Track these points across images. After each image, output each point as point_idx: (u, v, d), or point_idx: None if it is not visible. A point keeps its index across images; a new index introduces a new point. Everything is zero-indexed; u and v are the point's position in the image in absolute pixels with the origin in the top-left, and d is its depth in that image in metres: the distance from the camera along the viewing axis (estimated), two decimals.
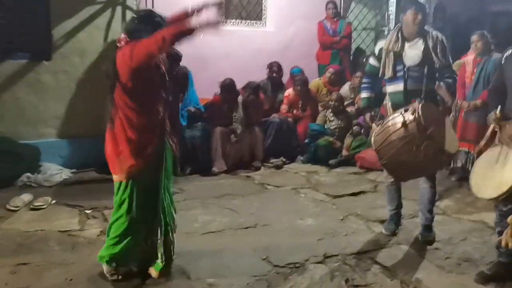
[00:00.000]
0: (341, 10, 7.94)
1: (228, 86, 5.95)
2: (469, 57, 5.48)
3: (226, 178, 5.51)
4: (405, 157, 3.06)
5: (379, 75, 3.82)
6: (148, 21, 2.87)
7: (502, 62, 3.13)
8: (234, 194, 4.91)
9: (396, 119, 3.19)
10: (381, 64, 3.73)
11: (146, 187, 2.96)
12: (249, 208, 4.51)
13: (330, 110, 6.48)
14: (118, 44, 3.00)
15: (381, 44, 3.81)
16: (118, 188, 2.96)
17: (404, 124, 3.06)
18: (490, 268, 3.23)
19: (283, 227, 4.08)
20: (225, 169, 5.70)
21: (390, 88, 3.76)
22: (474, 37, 5.32)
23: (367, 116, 4.04)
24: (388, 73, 3.68)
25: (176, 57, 5.59)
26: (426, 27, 3.69)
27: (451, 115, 5.78)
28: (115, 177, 2.97)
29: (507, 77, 3.06)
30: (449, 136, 3.31)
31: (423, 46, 3.59)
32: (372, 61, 3.89)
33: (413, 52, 3.61)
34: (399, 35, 3.66)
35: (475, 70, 5.29)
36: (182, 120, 5.74)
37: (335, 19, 7.47)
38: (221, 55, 6.98)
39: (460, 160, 5.40)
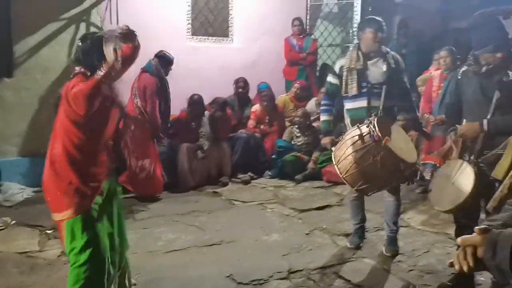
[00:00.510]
0: (307, 26, 8.06)
1: (196, 102, 5.94)
2: (435, 72, 5.62)
3: (193, 195, 5.47)
4: (364, 169, 3.09)
5: (340, 93, 3.80)
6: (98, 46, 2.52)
7: (459, 78, 3.20)
8: (200, 211, 4.87)
9: (353, 133, 3.23)
10: (343, 82, 3.74)
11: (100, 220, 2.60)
12: (215, 224, 4.48)
13: (296, 126, 6.53)
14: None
15: (340, 62, 3.82)
16: (71, 230, 2.51)
17: (361, 136, 3.10)
18: (451, 279, 3.27)
19: (248, 243, 4.06)
20: (191, 185, 5.66)
21: (350, 105, 3.77)
22: (443, 53, 5.46)
23: (326, 140, 3.93)
24: (352, 90, 3.69)
25: (169, 60, 5.50)
26: (383, 47, 3.76)
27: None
28: (60, 216, 2.51)
29: (462, 93, 3.14)
30: (406, 146, 3.37)
31: (385, 66, 3.66)
32: (331, 79, 3.88)
33: (376, 71, 3.67)
34: (359, 53, 3.71)
35: (441, 85, 5.41)
36: None
37: (301, 36, 7.58)
38: (188, 72, 6.95)
39: (426, 173, 5.48)
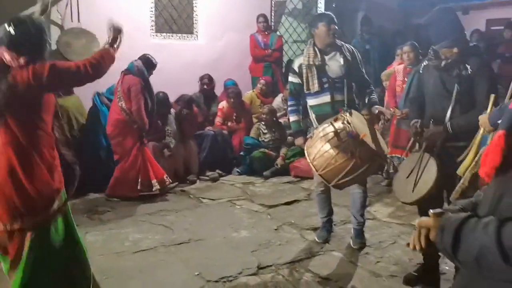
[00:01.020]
0: (272, 23, 8.08)
1: (161, 100, 5.85)
2: (399, 67, 5.71)
3: (160, 194, 5.38)
4: (343, 165, 3.10)
5: (303, 91, 3.81)
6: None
7: (420, 72, 3.26)
8: (167, 210, 4.81)
9: (327, 129, 3.22)
10: (304, 80, 3.76)
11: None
12: (183, 223, 4.44)
13: (263, 123, 6.54)
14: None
15: (299, 60, 3.83)
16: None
17: (336, 133, 3.12)
18: (417, 269, 3.34)
19: (217, 241, 4.04)
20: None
21: (313, 101, 3.79)
22: (405, 48, 5.54)
23: (299, 140, 3.94)
24: (314, 87, 3.72)
25: (152, 63, 5.46)
26: (338, 41, 3.79)
27: (380, 122, 6.00)
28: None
29: (425, 87, 3.20)
30: (380, 141, 3.44)
31: (342, 59, 3.71)
32: (292, 78, 3.88)
33: (335, 65, 3.72)
34: (316, 49, 3.73)
35: (405, 79, 5.50)
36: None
37: (266, 32, 7.59)
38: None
39: (392, 165, 5.55)
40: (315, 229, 4.19)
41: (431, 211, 1.34)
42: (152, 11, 7.04)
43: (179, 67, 7.09)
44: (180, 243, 3.97)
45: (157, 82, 6.39)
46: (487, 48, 7.36)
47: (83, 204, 4.96)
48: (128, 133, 5.16)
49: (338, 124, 3.18)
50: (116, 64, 6.28)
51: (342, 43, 3.83)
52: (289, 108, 4.04)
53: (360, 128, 3.17)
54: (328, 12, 3.85)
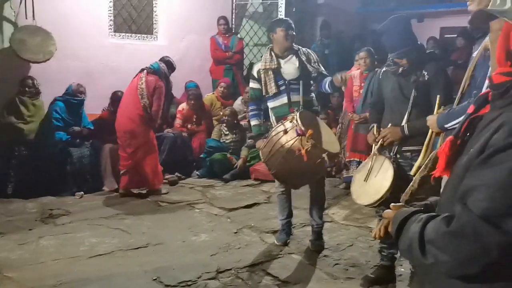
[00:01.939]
0: (233, 25, 8.07)
1: (119, 98, 5.71)
2: (356, 72, 5.80)
3: (117, 197, 5.28)
4: (292, 164, 3.17)
5: (263, 95, 3.91)
6: None
7: (380, 77, 3.33)
8: (125, 213, 4.72)
9: (278, 129, 3.32)
10: (263, 84, 3.85)
11: None
12: (141, 227, 4.35)
13: (224, 125, 6.52)
14: None
15: (257, 66, 3.94)
16: None
17: (285, 131, 3.18)
18: (374, 271, 3.40)
19: (176, 245, 3.98)
20: (116, 187, 5.47)
21: (272, 104, 3.89)
22: (362, 54, 5.63)
23: (260, 143, 3.90)
24: (272, 90, 3.81)
25: (173, 66, 5.66)
26: (294, 45, 3.87)
27: (338, 126, 6.10)
28: None
29: (383, 92, 3.26)
30: (329, 138, 3.50)
31: (297, 61, 3.80)
32: (252, 84, 3.99)
33: (290, 67, 3.81)
34: (272, 53, 3.84)
35: (362, 84, 5.60)
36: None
37: (227, 35, 7.57)
38: (110, 69, 6.75)
39: (352, 170, 5.65)
40: (274, 232, 4.21)
41: (392, 204, 1.42)
42: (110, 10, 6.89)
43: (137, 68, 6.92)
44: (138, 248, 3.90)
45: (114, 82, 6.29)
46: (442, 55, 7.61)
47: (37, 207, 4.80)
48: (144, 130, 5.27)
49: (287, 123, 3.27)
50: (72, 63, 6.23)
51: (299, 47, 3.91)
52: (250, 113, 4.12)
53: (309, 127, 3.23)
54: (286, 18, 3.96)
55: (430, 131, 2.69)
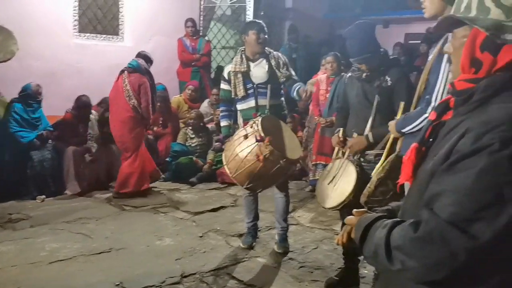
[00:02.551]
0: (201, 28, 8.04)
1: (84, 104, 5.61)
2: (322, 76, 5.86)
3: (80, 201, 5.17)
4: (252, 168, 3.19)
5: (232, 97, 3.91)
6: None
7: (346, 82, 3.37)
8: (88, 218, 4.62)
9: (240, 133, 3.35)
10: (232, 86, 3.85)
11: None
12: (104, 231, 4.27)
13: (190, 128, 6.47)
14: None
15: (228, 68, 3.94)
16: None
17: (245, 136, 3.20)
18: (338, 274, 3.43)
19: (140, 249, 3.92)
20: (78, 191, 5.36)
21: (241, 106, 3.89)
22: (328, 58, 5.69)
23: None
24: (240, 93, 3.82)
25: (150, 59, 5.69)
26: (267, 49, 3.88)
27: (305, 130, 6.14)
28: None
29: (349, 97, 3.30)
30: (291, 144, 3.50)
31: (267, 65, 3.80)
32: (223, 85, 3.99)
33: (259, 71, 3.81)
34: (243, 56, 3.84)
35: (329, 89, 5.65)
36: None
37: (194, 37, 7.53)
38: (73, 70, 6.62)
39: (318, 172, 5.68)
40: (240, 235, 4.20)
41: (354, 210, 1.42)
42: (75, 10, 6.75)
43: (103, 69, 6.86)
44: (101, 252, 3.81)
45: (78, 83, 6.18)
46: (407, 61, 7.77)
47: None
48: (139, 130, 5.35)
49: (249, 128, 3.29)
50: (35, 64, 6.10)
51: (270, 51, 3.91)
52: (220, 114, 4.14)
53: (271, 132, 3.25)
54: (260, 21, 3.92)
55: (390, 135, 2.75)
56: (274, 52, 3.91)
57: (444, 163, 1.13)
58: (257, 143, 3.16)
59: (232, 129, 4.06)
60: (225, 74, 3.93)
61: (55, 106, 5.76)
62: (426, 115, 2.39)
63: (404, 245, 1.11)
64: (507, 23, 1.12)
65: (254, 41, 3.77)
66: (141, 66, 5.37)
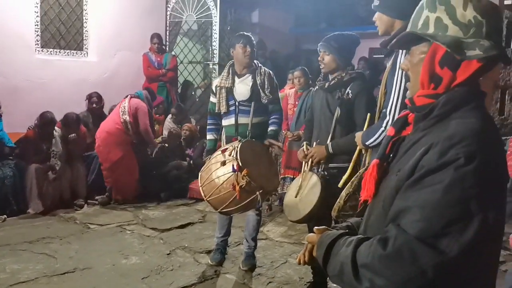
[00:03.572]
0: (167, 43, 8.00)
1: (47, 121, 5.43)
2: (290, 91, 5.90)
3: (43, 220, 5.01)
4: (227, 195, 3.14)
5: (216, 111, 3.84)
6: None
7: (313, 94, 3.40)
8: (51, 237, 4.47)
9: (218, 157, 3.26)
10: (216, 100, 3.79)
11: None
12: (68, 251, 4.15)
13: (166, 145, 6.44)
14: None
15: (215, 81, 3.88)
16: None
17: (223, 163, 3.15)
18: None
19: (105, 269, 3.82)
20: (42, 209, 5.19)
21: (224, 122, 3.84)
22: (296, 73, 5.75)
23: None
24: (222, 108, 3.76)
25: (154, 96, 6.51)
26: (256, 62, 3.82)
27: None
28: None
29: (314, 109, 3.34)
30: (269, 172, 3.46)
31: (251, 82, 3.72)
32: (211, 98, 3.91)
33: (242, 88, 3.73)
34: (231, 71, 3.78)
35: (296, 103, 5.70)
36: None
37: (160, 53, 7.47)
38: (36, 86, 6.47)
39: (286, 186, 5.68)
40: (209, 252, 4.15)
41: (315, 228, 1.40)
42: (37, 25, 6.62)
43: (66, 85, 6.73)
44: (64, 273, 3.70)
45: (41, 99, 6.05)
46: (371, 75, 7.91)
47: None
48: (123, 141, 5.77)
49: (227, 155, 3.22)
50: None
51: (260, 66, 3.82)
52: (208, 127, 4.04)
53: (249, 161, 3.20)
54: (248, 34, 3.81)
55: (358, 147, 2.77)
56: (264, 69, 3.80)
57: (409, 178, 1.13)
58: (233, 173, 3.10)
59: (217, 143, 3.96)
60: (213, 87, 3.86)
61: (17, 123, 5.62)
62: (382, 128, 2.44)
63: (373, 263, 1.09)
64: (466, 40, 1.15)
65: (240, 55, 3.70)
66: (143, 95, 6.02)
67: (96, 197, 5.75)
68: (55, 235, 4.55)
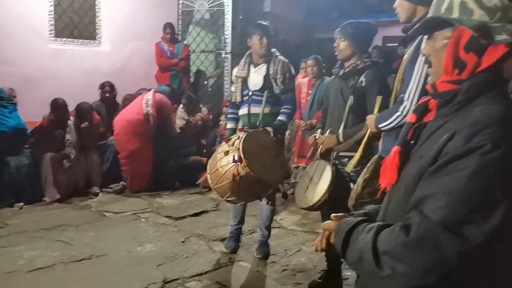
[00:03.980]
0: (179, 32, 8.00)
1: (60, 107, 5.48)
2: (303, 80, 5.88)
3: (59, 208, 5.07)
4: (229, 185, 3.17)
5: (232, 101, 3.87)
6: None
7: (329, 82, 3.40)
8: (67, 225, 4.53)
9: (223, 147, 3.31)
10: (233, 90, 3.82)
11: None
12: (84, 238, 4.19)
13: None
14: None
15: (234, 71, 3.89)
16: None
17: (226, 153, 3.19)
18: (321, 276, 3.43)
19: (120, 256, 3.86)
20: (57, 197, 5.25)
21: (240, 112, 3.85)
22: (309, 62, 5.72)
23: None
24: (236, 98, 3.78)
25: (177, 93, 6.60)
26: (274, 51, 3.78)
27: (287, 133, 6.14)
28: None
29: (329, 96, 3.33)
30: (273, 165, 3.43)
31: (265, 72, 3.69)
32: (231, 88, 3.93)
33: (256, 77, 3.72)
34: (247, 60, 3.78)
35: (309, 92, 5.67)
36: None
37: (172, 42, 7.48)
38: (49, 75, 6.52)
39: (298, 175, 5.67)
40: (223, 240, 4.17)
41: (332, 215, 1.39)
42: (51, 15, 6.65)
43: (80, 74, 6.78)
44: (81, 260, 3.74)
45: (55, 89, 6.09)
46: (385, 63, 7.85)
47: None
48: (142, 132, 5.79)
49: (231, 145, 3.24)
50: (8, 69, 5.98)
51: (277, 55, 3.76)
52: (228, 115, 4.05)
53: (253, 152, 3.20)
54: (264, 23, 3.79)
55: (368, 130, 2.76)
56: (279, 58, 3.73)
57: (432, 165, 1.12)
58: (234, 163, 3.13)
59: (235, 132, 3.91)
60: (233, 77, 3.89)
61: (31, 112, 5.66)
62: (398, 113, 2.43)
63: (395, 250, 1.09)
64: (493, 24, 1.13)
65: (257, 46, 3.69)
66: (166, 91, 6.14)
67: (111, 186, 5.79)
68: (71, 222, 4.61)
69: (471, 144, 1.06)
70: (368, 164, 2.65)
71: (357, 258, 1.20)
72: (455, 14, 1.17)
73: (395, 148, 1.33)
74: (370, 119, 2.71)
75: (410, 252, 1.06)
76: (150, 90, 6.01)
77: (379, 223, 1.23)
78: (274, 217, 4.54)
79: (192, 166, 6.17)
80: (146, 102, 5.80)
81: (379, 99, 2.82)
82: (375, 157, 2.68)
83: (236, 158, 3.11)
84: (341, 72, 3.12)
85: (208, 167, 3.36)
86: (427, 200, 1.09)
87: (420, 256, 1.05)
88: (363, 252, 1.17)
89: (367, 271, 1.20)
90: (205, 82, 8.46)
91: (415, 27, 1.27)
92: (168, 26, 7.46)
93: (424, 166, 1.14)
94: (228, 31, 7.88)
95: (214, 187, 3.26)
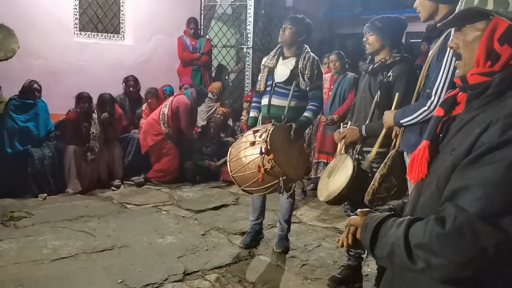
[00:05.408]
0: (201, 26, 8.02)
1: (85, 99, 5.54)
2: (326, 75, 5.84)
3: (81, 199, 5.15)
4: (251, 176, 3.20)
5: (257, 89, 3.87)
6: None
7: (359, 77, 3.38)
8: (89, 216, 4.60)
9: (248, 137, 3.31)
10: (259, 78, 3.83)
11: None
12: (106, 229, 4.26)
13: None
14: None
15: (263, 60, 3.89)
16: None
17: (253, 144, 3.18)
18: (340, 271, 3.43)
19: (142, 247, 3.91)
20: (80, 189, 5.34)
21: (262, 101, 3.85)
22: (332, 57, 5.69)
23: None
24: (260, 87, 3.79)
25: (203, 93, 6.48)
26: (306, 47, 3.73)
27: (308, 128, 6.12)
28: None
29: (358, 91, 3.31)
30: (297, 162, 3.46)
31: (293, 65, 3.67)
32: (259, 76, 3.93)
33: (283, 69, 3.71)
34: (278, 52, 3.78)
35: (332, 87, 5.64)
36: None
37: (195, 37, 7.50)
38: (75, 69, 6.61)
39: (319, 170, 5.67)
40: (243, 234, 4.19)
41: (358, 210, 1.39)
42: (75, 9, 6.74)
43: (103, 68, 6.86)
44: (103, 250, 3.80)
45: (79, 82, 6.17)
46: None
47: None
48: (155, 132, 5.98)
49: (257, 137, 3.24)
50: (35, 62, 6.09)
51: (308, 50, 3.72)
52: (252, 104, 4.06)
53: (279, 146, 3.21)
54: (298, 16, 3.76)
55: (385, 126, 2.75)
56: (310, 55, 3.70)
57: (466, 157, 1.10)
58: (259, 155, 3.14)
59: (257, 121, 3.93)
60: (261, 66, 3.89)
61: (56, 105, 5.73)
62: (425, 108, 2.41)
63: (429, 243, 1.08)
64: None
65: (287, 37, 3.67)
66: (189, 94, 6.15)
67: (132, 178, 5.86)
68: (93, 213, 4.68)
69: (508, 134, 1.04)
70: (385, 160, 2.64)
71: (387, 253, 1.19)
72: (490, 6, 1.16)
73: (424, 142, 1.32)
74: (387, 115, 2.69)
75: (446, 244, 1.05)
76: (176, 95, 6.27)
77: (409, 217, 1.22)
78: (294, 213, 4.55)
79: (207, 168, 6.22)
80: (166, 103, 6.06)
81: (397, 96, 2.81)
82: (392, 152, 2.66)
83: (263, 150, 3.12)
84: (370, 67, 3.09)
85: (229, 154, 3.37)
86: (462, 192, 1.08)
87: (457, 248, 1.04)
88: (394, 246, 1.16)
89: (398, 266, 1.19)
90: (226, 77, 8.48)
91: (447, 19, 1.25)
92: (192, 21, 7.49)
93: (458, 158, 1.13)
94: (250, 26, 7.86)
95: (234, 175, 3.27)
